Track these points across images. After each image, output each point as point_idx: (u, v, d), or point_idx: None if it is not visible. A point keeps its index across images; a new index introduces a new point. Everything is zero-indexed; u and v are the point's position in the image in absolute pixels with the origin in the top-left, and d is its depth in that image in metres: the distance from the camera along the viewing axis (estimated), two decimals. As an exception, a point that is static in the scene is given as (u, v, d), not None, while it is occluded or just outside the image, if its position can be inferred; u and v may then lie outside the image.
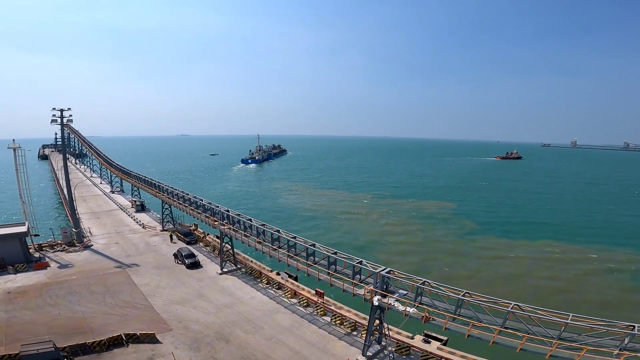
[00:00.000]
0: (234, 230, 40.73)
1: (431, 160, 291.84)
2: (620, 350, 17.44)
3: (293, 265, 32.39)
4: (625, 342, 17.55)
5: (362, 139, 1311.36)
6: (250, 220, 39.07)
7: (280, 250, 34.08)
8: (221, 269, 43.51)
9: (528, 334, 19.53)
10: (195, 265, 44.83)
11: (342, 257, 28.80)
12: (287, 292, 37.85)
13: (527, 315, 20.17)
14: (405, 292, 25.12)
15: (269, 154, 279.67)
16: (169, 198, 57.12)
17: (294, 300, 36.53)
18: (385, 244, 66.50)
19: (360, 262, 27.36)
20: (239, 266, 44.86)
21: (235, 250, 45.24)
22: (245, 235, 38.72)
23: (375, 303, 24.45)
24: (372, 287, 25.50)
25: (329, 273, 29.16)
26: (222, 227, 42.19)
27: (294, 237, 33.70)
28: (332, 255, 29.19)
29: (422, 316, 22.42)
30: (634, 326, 17.64)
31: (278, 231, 35.28)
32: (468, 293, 22.34)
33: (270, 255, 34.74)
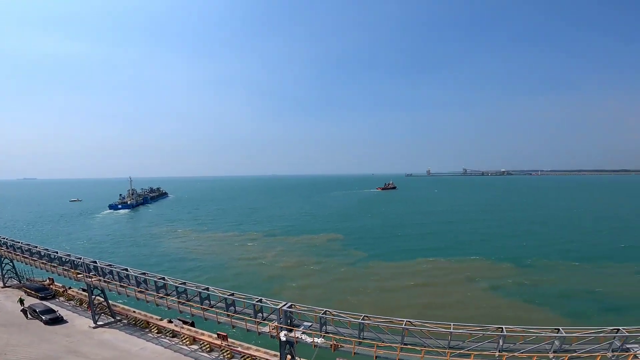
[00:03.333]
0: (105, 282, 34.79)
1: (320, 196, 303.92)
2: (499, 352, 20.30)
3: (186, 311, 29.14)
4: (500, 343, 20.48)
5: (250, 178, 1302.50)
6: (127, 269, 34.21)
7: (169, 297, 30.11)
8: (94, 323, 36.62)
9: (424, 346, 21.13)
10: (56, 320, 37.03)
11: (240, 298, 27.45)
12: (185, 339, 33.70)
13: (419, 329, 21.97)
14: (310, 324, 24.90)
15: (144, 198, 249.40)
16: (10, 252, 45.59)
17: (195, 347, 32.79)
18: (283, 280, 65.20)
19: (260, 300, 26.36)
20: (118, 318, 38.29)
21: (110, 302, 38.38)
22: (122, 286, 33.31)
23: (283, 338, 23.66)
24: (276, 324, 24.37)
25: (228, 315, 27.03)
26: (89, 280, 35.67)
27: (184, 283, 30.68)
28: (230, 297, 27.43)
29: (331, 344, 22.44)
30: (502, 328, 20.89)
31: (163, 278, 31.66)
32: (367, 316, 23.29)
33: (157, 304, 30.55)
